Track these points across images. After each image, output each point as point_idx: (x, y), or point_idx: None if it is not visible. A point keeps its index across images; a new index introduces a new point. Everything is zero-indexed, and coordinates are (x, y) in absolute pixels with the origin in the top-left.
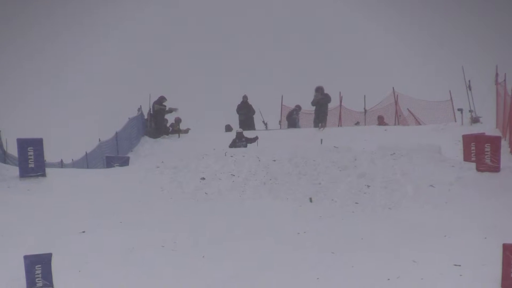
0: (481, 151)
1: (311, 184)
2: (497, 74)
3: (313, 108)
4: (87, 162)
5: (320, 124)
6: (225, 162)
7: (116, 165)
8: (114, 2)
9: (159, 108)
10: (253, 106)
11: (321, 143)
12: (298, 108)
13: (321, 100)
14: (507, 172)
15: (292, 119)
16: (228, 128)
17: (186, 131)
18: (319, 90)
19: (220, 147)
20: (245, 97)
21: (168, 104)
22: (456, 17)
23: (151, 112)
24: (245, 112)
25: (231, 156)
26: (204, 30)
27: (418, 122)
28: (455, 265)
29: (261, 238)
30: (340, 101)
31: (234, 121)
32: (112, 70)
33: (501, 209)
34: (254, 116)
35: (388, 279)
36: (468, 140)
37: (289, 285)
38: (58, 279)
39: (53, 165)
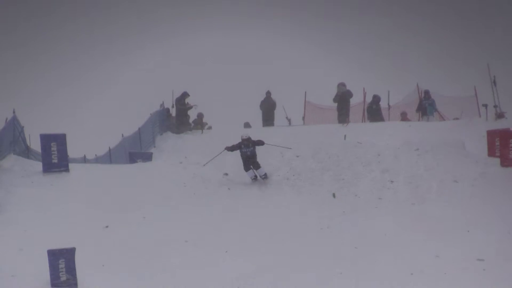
0: (505, 147)
1: (334, 180)
2: None
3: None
4: (110, 157)
5: (345, 120)
6: None
7: (139, 161)
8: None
9: (180, 108)
10: (277, 102)
11: (345, 139)
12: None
13: (343, 94)
14: None
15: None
16: (247, 126)
17: (209, 127)
18: (341, 85)
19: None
20: (268, 93)
21: (189, 100)
22: (481, 13)
23: (174, 108)
24: (267, 107)
25: None
26: (227, 22)
27: (442, 118)
28: (479, 260)
29: (284, 233)
30: (364, 97)
31: (255, 116)
32: (134, 65)
33: None
34: (276, 111)
35: (411, 274)
36: (492, 135)
37: (312, 280)
38: (81, 273)
39: (76, 161)
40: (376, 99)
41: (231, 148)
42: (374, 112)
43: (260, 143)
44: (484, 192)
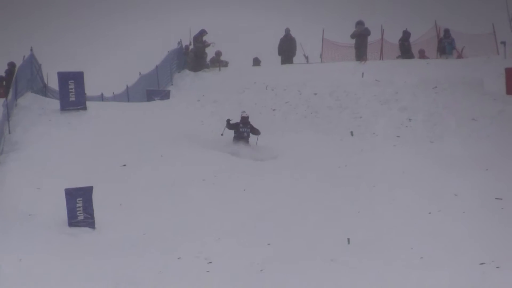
0: None
1: (352, 118)
2: None
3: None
4: (128, 95)
5: (362, 57)
6: (265, 95)
7: (157, 99)
8: None
9: (198, 46)
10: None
11: (362, 76)
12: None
13: (362, 32)
14: None
15: None
16: (256, 62)
17: (226, 64)
18: (359, 24)
19: (261, 81)
20: (287, 30)
21: (207, 38)
22: None
23: (192, 46)
24: (287, 47)
25: (272, 90)
26: None
27: (460, 56)
28: (497, 198)
29: (302, 172)
30: (382, 34)
31: (273, 54)
32: (151, 5)
33: None
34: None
35: (430, 213)
36: (511, 73)
37: (329, 219)
38: (99, 212)
39: (93, 99)
40: (407, 35)
41: (229, 126)
42: (406, 49)
43: (257, 132)
44: (502, 130)
